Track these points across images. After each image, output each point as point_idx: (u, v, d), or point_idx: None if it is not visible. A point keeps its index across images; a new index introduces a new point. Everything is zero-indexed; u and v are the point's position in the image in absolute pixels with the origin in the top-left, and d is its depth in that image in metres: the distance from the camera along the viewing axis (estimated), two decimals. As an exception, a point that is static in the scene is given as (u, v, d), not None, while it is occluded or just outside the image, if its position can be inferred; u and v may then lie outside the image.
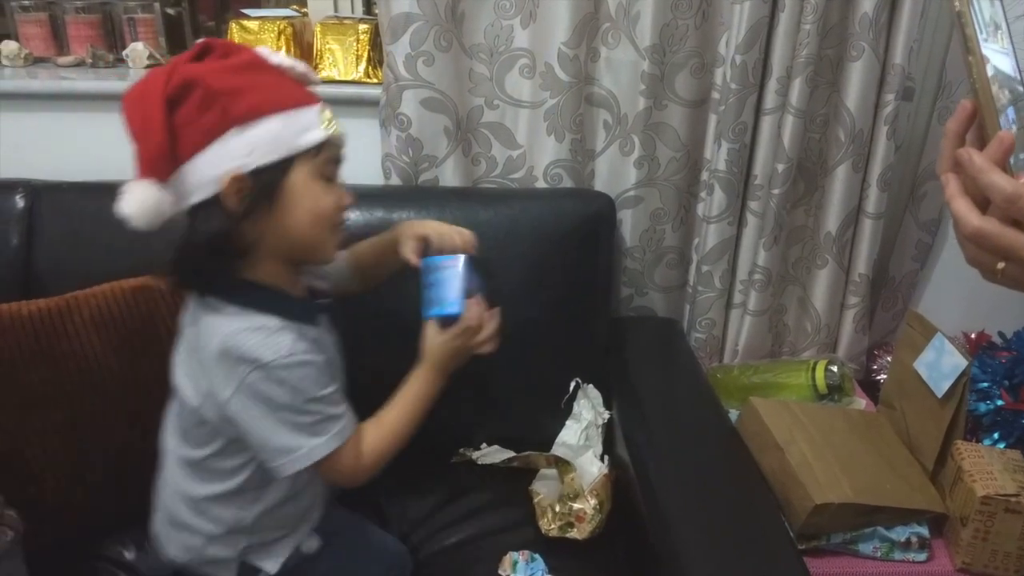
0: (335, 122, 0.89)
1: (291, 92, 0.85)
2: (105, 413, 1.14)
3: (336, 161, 0.91)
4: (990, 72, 0.54)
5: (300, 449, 0.87)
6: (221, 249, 0.85)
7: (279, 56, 0.87)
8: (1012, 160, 0.53)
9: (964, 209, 0.54)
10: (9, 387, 1.09)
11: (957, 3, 0.54)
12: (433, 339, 0.98)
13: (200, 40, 0.86)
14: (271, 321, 0.86)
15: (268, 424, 0.86)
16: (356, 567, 1.08)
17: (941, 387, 1.24)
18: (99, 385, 1.14)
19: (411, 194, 1.44)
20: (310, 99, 0.87)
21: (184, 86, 0.79)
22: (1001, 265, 0.54)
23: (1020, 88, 0.55)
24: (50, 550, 1.13)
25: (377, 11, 1.36)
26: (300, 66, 0.88)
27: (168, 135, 0.78)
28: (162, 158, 0.79)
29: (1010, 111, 0.54)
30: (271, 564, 1.00)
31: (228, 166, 0.81)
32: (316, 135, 0.85)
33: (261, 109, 0.82)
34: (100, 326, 1.14)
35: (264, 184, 0.83)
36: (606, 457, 1.32)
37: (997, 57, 0.54)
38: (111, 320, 1.15)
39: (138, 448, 1.15)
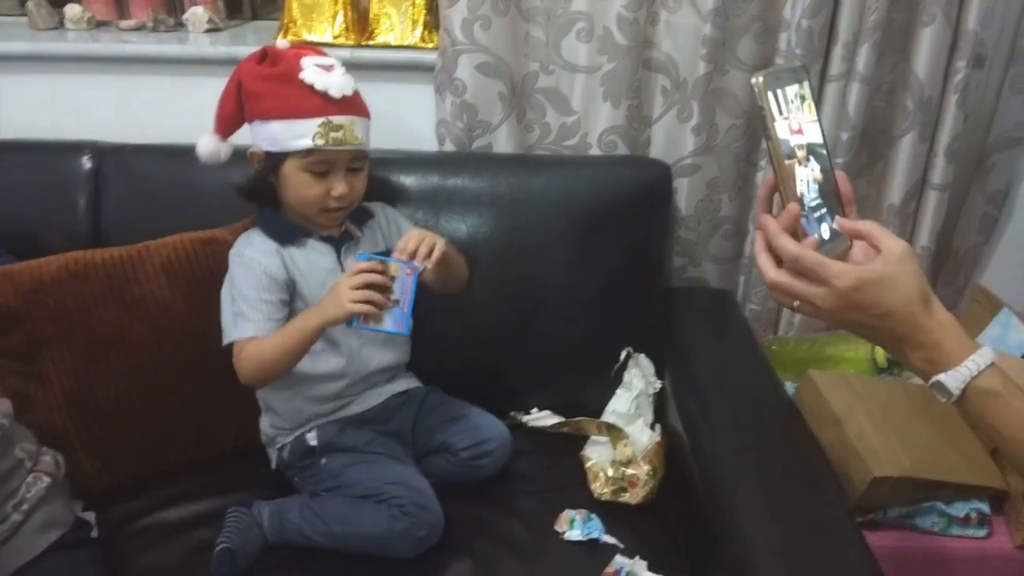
0: (342, 132, 1.09)
1: (298, 105, 1.07)
2: (173, 358, 1.19)
3: (322, 163, 1.10)
4: (803, 141, 0.68)
5: (225, 329, 1.12)
6: (259, 188, 1.16)
7: (313, 73, 1.07)
8: (804, 221, 0.68)
9: (764, 263, 0.71)
10: (82, 330, 1.14)
11: (759, 101, 0.66)
12: (338, 286, 1.05)
13: (262, 47, 1.13)
14: (261, 235, 1.16)
15: (224, 299, 1.14)
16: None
17: (1007, 363, 1.20)
18: (168, 330, 1.19)
19: (465, 160, 1.44)
20: (315, 112, 1.07)
21: (239, 81, 1.11)
22: (796, 304, 0.70)
23: (822, 150, 0.70)
24: (119, 491, 1.19)
25: (435, -25, 1.36)
26: (333, 88, 1.08)
27: (235, 107, 1.12)
28: (225, 123, 1.15)
29: (812, 161, 0.69)
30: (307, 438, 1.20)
31: (256, 143, 1.13)
32: (303, 143, 1.08)
33: (269, 113, 1.09)
34: (169, 274, 1.18)
35: (271, 163, 1.12)
36: (657, 426, 1.32)
37: (809, 127, 0.68)
38: (180, 269, 1.19)
39: (205, 394, 1.21)
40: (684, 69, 1.40)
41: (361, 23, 1.48)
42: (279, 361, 1.09)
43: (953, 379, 0.67)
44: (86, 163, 1.32)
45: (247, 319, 1.10)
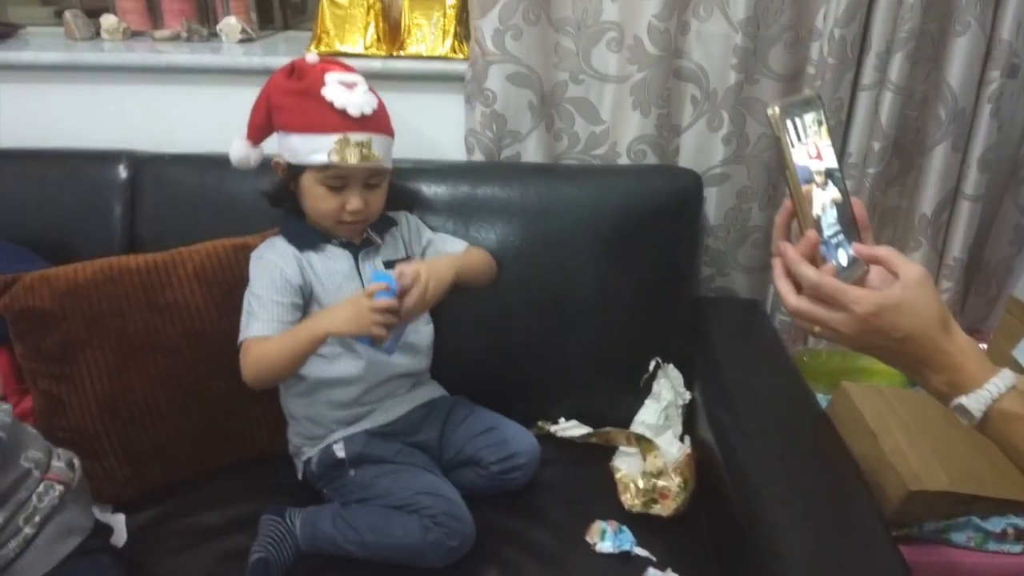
0: (359, 149, 1.10)
1: (319, 120, 1.10)
2: (204, 364, 1.20)
3: (337, 177, 1.12)
4: (819, 163, 0.69)
5: (241, 327, 1.14)
6: (283, 195, 1.20)
7: (334, 90, 1.09)
8: (823, 247, 0.69)
9: (784, 290, 0.72)
10: (116, 333, 1.16)
11: (777, 131, 0.67)
12: (358, 302, 1.05)
13: (291, 61, 1.15)
14: (282, 240, 1.19)
15: (243, 303, 1.16)
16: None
17: (1044, 377, 1.19)
18: (199, 336, 1.20)
19: (494, 170, 1.44)
20: (332, 128, 1.09)
21: (268, 93, 1.15)
22: (817, 329, 0.71)
23: (838, 173, 0.71)
24: (149, 496, 1.19)
25: (466, -15, 1.37)
26: (352, 107, 1.09)
27: (265, 117, 1.16)
28: (255, 130, 1.18)
29: (829, 186, 0.70)
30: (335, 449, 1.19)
31: (280, 151, 1.16)
32: (319, 157, 1.10)
33: (290, 126, 1.13)
34: (202, 280, 1.20)
35: (292, 173, 1.16)
36: (686, 437, 1.31)
37: (825, 151, 0.70)
38: (213, 275, 1.21)
39: (235, 400, 1.22)
40: (714, 78, 1.40)
41: (392, 34, 1.49)
42: (279, 361, 1.09)
43: (975, 402, 0.68)
44: (122, 172, 1.34)
45: (257, 319, 1.12)
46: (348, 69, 1.15)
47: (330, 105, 1.09)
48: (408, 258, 1.25)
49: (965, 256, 1.51)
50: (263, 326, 1.11)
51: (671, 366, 1.39)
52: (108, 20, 1.56)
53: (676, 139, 1.47)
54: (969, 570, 1.17)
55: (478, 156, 1.47)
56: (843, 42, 1.31)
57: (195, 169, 1.35)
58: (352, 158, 1.10)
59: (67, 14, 1.54)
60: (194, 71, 1.47)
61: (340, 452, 1.18)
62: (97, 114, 1.49)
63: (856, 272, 0.72)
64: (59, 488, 1.00)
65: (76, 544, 0.99)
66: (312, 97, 1.09)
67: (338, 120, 1.09)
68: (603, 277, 1.36)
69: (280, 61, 1.44)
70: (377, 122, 1.14)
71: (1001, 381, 0.68)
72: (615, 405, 1.38)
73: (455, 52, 1.46)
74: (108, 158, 1.35)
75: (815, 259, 0.70)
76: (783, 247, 0.71)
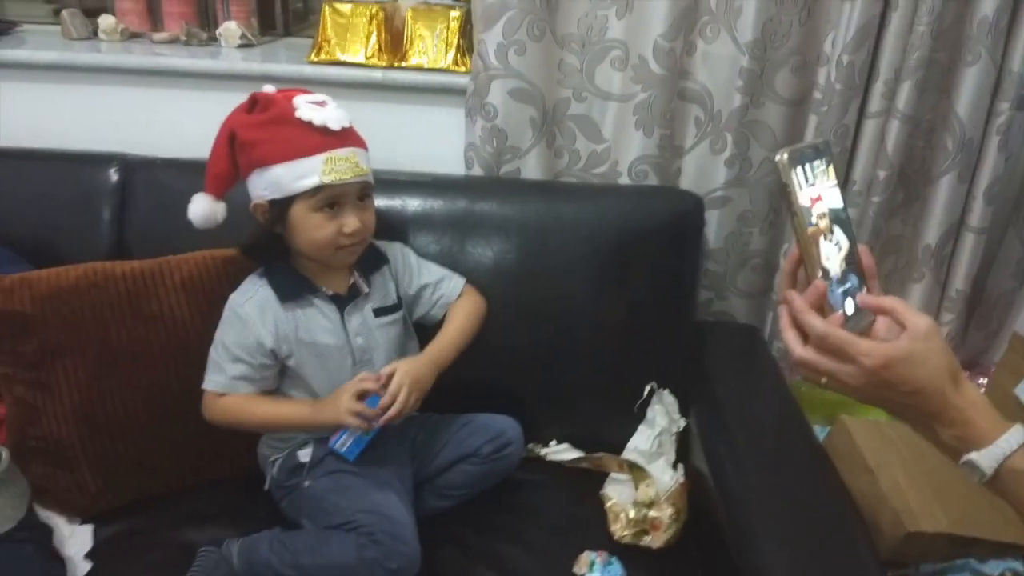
0: (346, 163, 1.05)
1: (299, 144, 1.04)
2: (189, 376, 1.16)
3: (331, 200, 1.06)
4: (825, 208, 0.67)
5: (205, 373, 1.12)
6: (267, 242, 1.12)
7: (309, 110, 1.04)
8: (830, 295, 0.68)
9: (791, 340, 0.70)
10: (97, 342, 1.13)
11: (783, 178, 0.66)
12: (339, 395, 1.07)
13: (250, 95, 1.08)
14: (266, 286, 1.13)
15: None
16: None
17: (1047, 416, 1.16)
18: (185, 348, 1.17)
19: (493, 185, 1.42)
20: (318, 148, 1.04)
21: (231, 133, 1.06)
22: (824, 380, 0.69)
23: (843, 214, 0.69)
24: (121, 509, 1.16)
25: (470, -2, 1.35)
26: (331, 121, 1.04)
27: (228, 164, 1.08)
28: (218, 181, 1.09)
29: (836, 234, 0.68)
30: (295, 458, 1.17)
31: (257, 194, 1.07)
32: (311, 181, 1.03)
33: (268, 159, 1.04)
34: (190, 291, 1.17)
35: (277, 212, 1.08)
36: (680, 466, 1.29)
37: (830, 193, 0.68)
38: (201, 286, 1.18)
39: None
40: (719, 100, 1.38)
41: (394, 45, 1.47)
42: (255, 428, 1.16)
43: (986, 458, 0.66)
44: (113, 175, 1.31)
45: (222, 372, 1.11)
46: (309, 92, 1.09)
47: (309, 125, 1.04)
48: (396, 306, 1.21)
49: (968, 288, 1.49)
50: (226, 383, 1.11)
51: (666, 392, 1.36)
52: (106, 20, 1.54)
53: (678, 160, 1.45)
54: (966, 613, 1.14)
55: (477, 171, 1.44)
56: (851, 68, 1.29)
57: (188, 174, 1.29)
58: (345, 174, 1.05)
59: (64, 13, 1.52)
60: (191, 75, 1.44)
61: (304, 456, 1.16)
62: (91, 116, 1.46)
63: (864, 321, 0.70)
64: None
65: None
66: (287, 123, 1.04)
67: (321, 139, 1.04)
68: (599, 298, 1.34)
69: (280, 68, 1.44)
70: (355, 136, 1.10)
71: (1013, 438, 0.66)
72: (608, 429, 1.35)
73: (457, 65, 1.44)
74: (99, 161, 1.32)
75: (822, 308, 0.68)
76: (790, 296, 0.70)
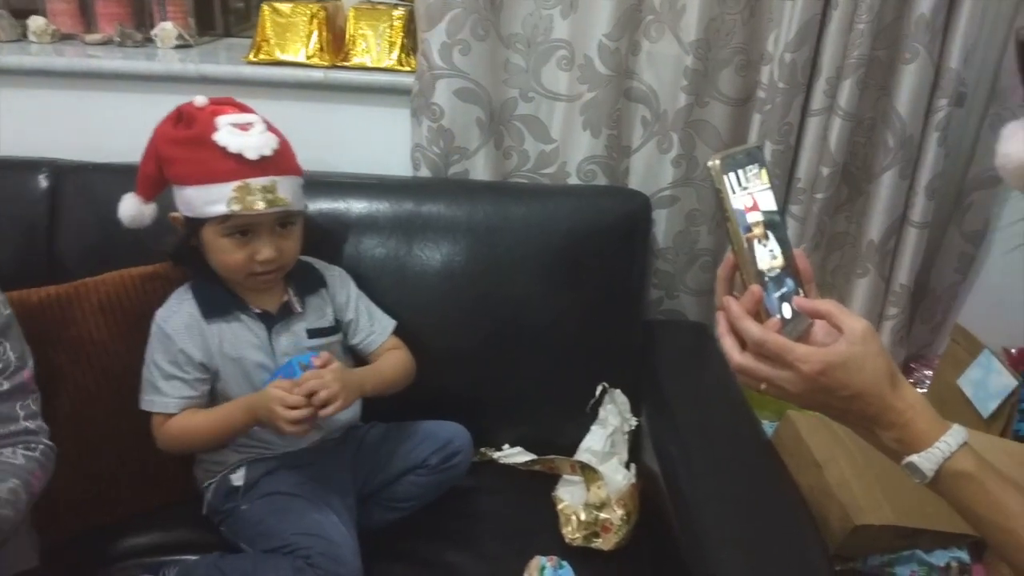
0: (260, 193, 1.02)
1: (213, 169, 1.01)
2: (114, 401, 1.11)
3: (241, 228, 1.04)
4: (759, 213, 0.67)
5: (142, 392, 1.10)
6: (185, 252, 1.11)
7: (227, 134, 1.01)
8: (767, 300, 0.67)
9: (729, 347, 0.69)
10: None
11: (716, 183, 0.65)
12: (264, 390, 1.04)
13: (177, 107, 1.05)
14: (191, 302, 1.11)
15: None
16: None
17: (988, 407, 1.19)
18: (108, 372, 1.12)
19: (441, 187, 1.40)
20: (229, 176, 1.01)
21: (156, 145, 1.06)
22: (763, 386, 0.68)
23: (777, 218, 0.68)
24: (68, 548, 1.10)
25: (413, -3, 1.33)
26: (249, 150, 1.01)
27: (156, 169, 1.06)
28: (146, 184, 1.09)
29: (771, 239, 0.68)
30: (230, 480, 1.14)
31: (177, 205, 1.07)
32: (218, 208, 1.01)
33: (181, 180, 1.04)
34: (108, 313, 1.12)
35: (191, 228, 1.07)
36: (632, 465, 1.28)
37: (762, 195, 0.67)
38: (119, 307, 1.13)
39: (147, 440, 1.12)
40: (665, 100, 1.38)
41: (336, 44, 1.44)
42: (207, 444, 1.11)
43: (926, 460, 0.66)
44: (43, 181, 1.26)
45: (160, 393, 1.08)
46: (243, 108, 1.07)
47: (223, 151, 1.00)
48: (333, 328, 1.18)
49: (911, 283, 1.51)
50: (166, 402, 1.08)
51: (618, 391, 1.36)
52: (36, 22, 1.48)
53: (626, 160, 1.45)
54: (914, 603, 1.16)
55: (424, 172, 1.42)
56: (793, 66, 1.30)
57: (122, 180, 1.24)
58: (257, 204, 1.01)
59: (-8, 14, 1.46)
60: (125, 77, 1.40)
61: (237, 480, 1.12)
62: (20, 120, 1.41)
63: (801, 325, 0.70)
64: None
65: None
66: (203, 145, 1.01)
67: (234, 166, 1.00)
68: (550, 298, 1.33)
69: (217, 69, 1.40)
70: (280, 163, 1.05)
71: (952, 439, 0.66)
72: (560, 431, 1.35)
73: (401, 64, 1.42)
74: (28, 166, 1.27)
75: (759, 314, 0.67)
76: (726, 302, 0.69)
